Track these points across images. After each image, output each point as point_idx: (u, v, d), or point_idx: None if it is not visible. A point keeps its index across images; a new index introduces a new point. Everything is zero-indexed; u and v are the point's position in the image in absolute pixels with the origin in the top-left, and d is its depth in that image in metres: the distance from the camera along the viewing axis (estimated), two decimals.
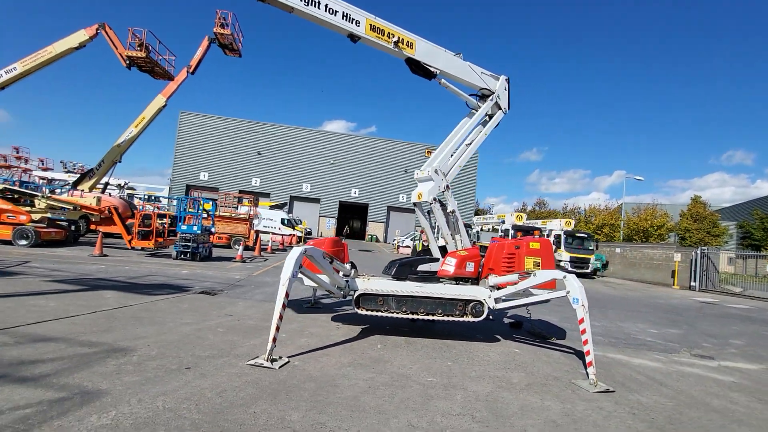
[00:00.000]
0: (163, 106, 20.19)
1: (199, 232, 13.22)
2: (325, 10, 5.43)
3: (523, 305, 5.89)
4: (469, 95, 7.15)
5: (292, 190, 45.44)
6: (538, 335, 6.78)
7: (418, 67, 6.40)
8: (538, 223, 25.28)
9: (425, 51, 6.35)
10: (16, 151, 34.84)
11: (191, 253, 12.96)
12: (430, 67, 6.44)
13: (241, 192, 44.90)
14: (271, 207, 32.06)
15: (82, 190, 18.43)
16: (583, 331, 4.57)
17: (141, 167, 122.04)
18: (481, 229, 26.12)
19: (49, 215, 13.58)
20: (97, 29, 16.76)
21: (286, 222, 30.16)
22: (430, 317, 5.61)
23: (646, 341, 7.26)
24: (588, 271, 20.92)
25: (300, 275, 5.16)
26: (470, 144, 7.07)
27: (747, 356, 6.75)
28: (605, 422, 3.44)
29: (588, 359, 4.46)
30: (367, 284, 5.69)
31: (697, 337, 8.18)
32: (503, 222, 22.87)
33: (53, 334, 4.39)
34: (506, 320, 7.74)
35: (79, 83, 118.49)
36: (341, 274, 5.69)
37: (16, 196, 13.18)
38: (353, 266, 6.37)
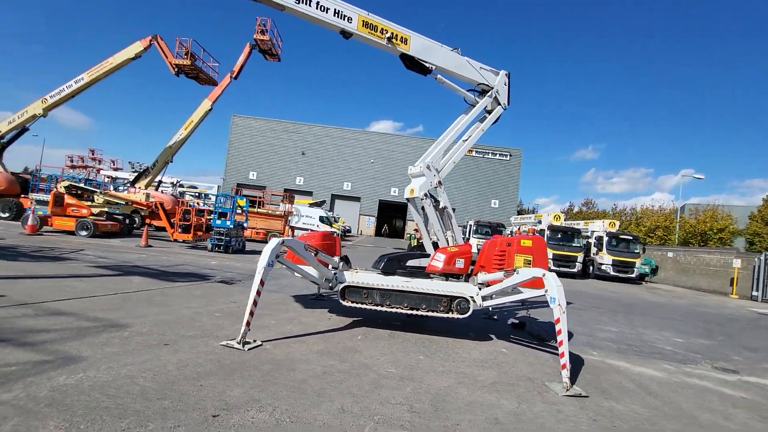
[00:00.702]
0: (209, 110, 21.71)
1: (231, 226, 14.14)
2: (317, 8, 5.59)
3: (508, 303, 5.71)
4: (468, 90, 7.03)
5: (333, 189, 46.71)
6: (537, 337, 6.53)
7: (412, 63, 6.43)
8: (580, 224, 23.87)
9: (420, 46, 6.36)
10: (92, 152, 39.20)
11: (224, 246, 13.90)
12: (426, 62, 6.44)
13: (285, 190, 47.10)
14: (311, 205, 33.18)
15: (139, 188, 20.40)
16: (559, 332, 4.37)
17: (200, 168, 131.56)
18: (519, 230, 25.14)
19: (106, 209, 15.23)
20: (150, 41, 18.44)
21: (324, 219, 31.11)
22: (414, 312, 5.63)
23: (664, 350, 6.71)
24: (633, 275, 19.41)
25: (287, 267, 5.43)
26: (466, 140, 6.95)
27: None
28: (555, 425, 3.31)
29: (562, 361, 4.26)
30: (353, 277, 5.84)
31: (730, 349, 7.40)
32: (540, 222, 21.87)
33: (69, 310, 5.03)
34: (511, 321, 7.50)
35: (149, 89, 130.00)
36: (330, 267, 5.89)
37: (79, 192, 14.91)
38: (346, 260, 6.56)
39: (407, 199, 6.62)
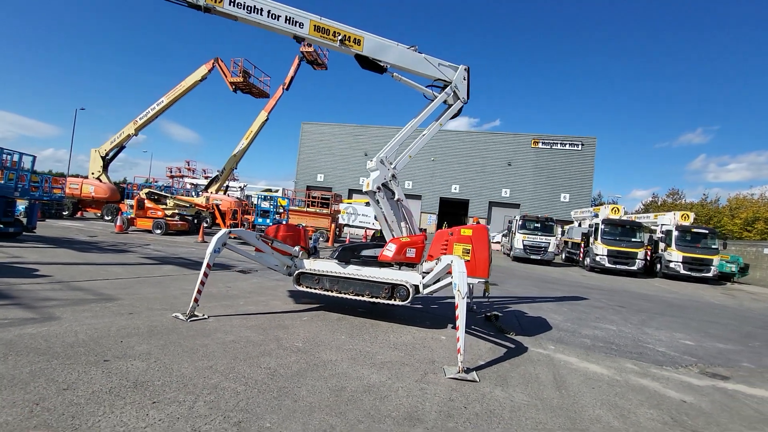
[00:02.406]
0: (266, 120, 24.02)
1: (270, 224, 15.67)
2: (268, 16, 6.20)
3: (437, 290, 5.74)
4: (429, 86, 7.11)
5: None
6: (499, 329, 6.41)
7: (367, 63, 6.76)
8: (650, 217, 21.19)
9: (374, 47, 6.66)
10: (187, 164, 45.59)
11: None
12: (380, 62, 6.73)
13: (350, 191, 49.29)
14: (367, 204, 34.43)
15: (210, 192, 23.44)
16: (457, 317, 4.41)
17: (277, 173, 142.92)
18: (579, 224, 23.16)
19: (177, 211, 17.94)
20: (213, 64, 21.11)
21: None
22: (358, 297, 5.99)
23: (649, 351, 6.08)
24: (710, 275, 16.73)
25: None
26: (424, 134, 7.04)
27: None
28: (402, 399, 3.48)
29: (458, 346, 4.31)
30: (310, 264, 6.41)
31: (755, 356, 6.37)
32: (596, 216, 19.95)
33: (87, 287, 6.42)
34: (484, 313, 7.36)
35: (244, 105, 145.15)
36: (292, 255, 6.54)
37: (156, 197, 17.80)
38: (314, 249, 7.15)
39: (365, 192, 6.96)
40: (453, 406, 3.44)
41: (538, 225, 20.40)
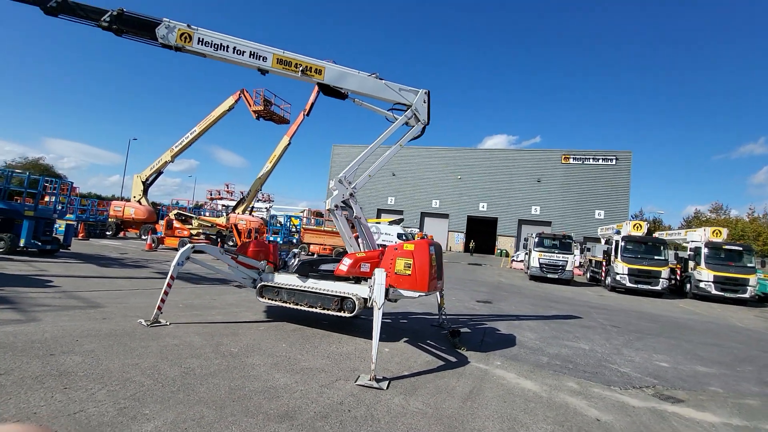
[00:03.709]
0: (288, 145, 25.39)
1: (281, 241, 16.47)
2: (234, 52, 6.93)
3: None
4: (390, 110, 7.49)
5: (422, 207, 47.71)
6: (453, 344, 6.45)
7: (329, 90, 7.31)
8: (680, 234, 19.76)
9: (334, 76, 7.20)
10: (226, 186, 48.64)
11: (282, 260, 16.30)
12: (341, 89, 7.25)
13: (379, 210, 50.03)
14: (390, 223, 34.82)
15: (237, 213, 24.96)
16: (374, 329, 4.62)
17: (308, 195, 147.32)
18: (606, 241, 22.01)
19: (201, 231, 19.33)
20: (239, 95, 22.90)
21: (401, 236, 32.32)
22: (311, 309, 6.32)
23: (614, 371, 5.87)
24: (746, 296, 15.25)
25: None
26: (383, 155, 7.38)
27: (754, 411, 4.76)
28: (295, 398, 3.76)
29: (372, 355, 4.51)
30: (274, 278, 6.87)
31: (731, 381, 5.91)
32: (618, 233, 18.93)
33: (84, 296, 7.28)
34: (450, 328, 7.37)
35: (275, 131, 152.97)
36: (258, 270, 7.04)
37: (183, 218, 19.33)
38: (284, 264, 7.62)
39: (328, 210, 7.37)
40: (336, 409, 3.66)
41: (556, 243, 19.69)
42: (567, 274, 18.74)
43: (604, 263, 19.05)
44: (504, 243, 42.79)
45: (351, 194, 7.07)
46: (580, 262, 27.18)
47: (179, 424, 3.06)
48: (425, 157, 48.47)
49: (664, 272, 16.12)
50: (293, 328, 6.50)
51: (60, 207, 12.90)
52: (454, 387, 4.57)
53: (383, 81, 7.31)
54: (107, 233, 22.77)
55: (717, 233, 16.65)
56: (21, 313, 5.65)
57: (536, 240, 19.85)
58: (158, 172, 24.31)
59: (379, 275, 4.93)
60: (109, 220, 23.17)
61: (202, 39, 6.73)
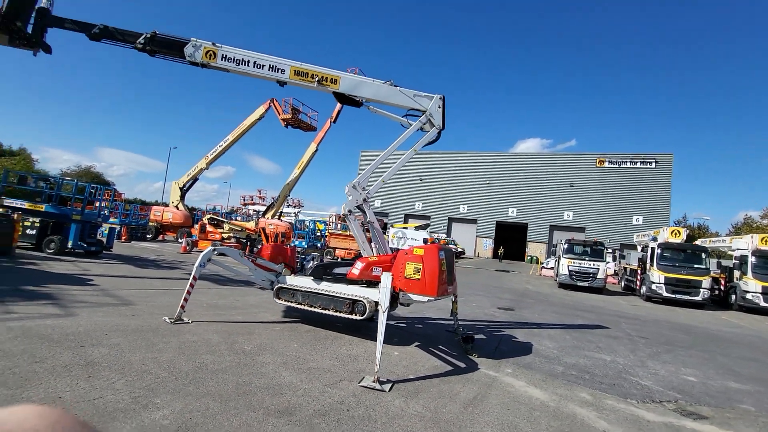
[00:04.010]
0: (315, 151, 26.01)
1: (305, 246, 16.88)
2: (254, 66, 7.33)
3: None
4: (405, 116, 7.59)
5: (450, 213, 47.29)
6: (465, 350, 6.42)
7: (344, 98, 7.51)
8: (725, 241, 18.46)
9: (349, 85, 7.40)
10: (258, 192, 50.42)
11: (299, 262, 16.71)
12: (356, 97, 7.44)
13: (406, 216, 50.06)
14: (416, 228, 34.75)
15: (267, 218, 25.80)
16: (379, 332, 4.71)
17: (335, 201, 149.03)
18: (642, 249, 20.93)
19: (231, 234, 20.15)
20: (269, 104, 23.76)
21: (427, 242, 32.20)
22: (324, 311, 6.48)
23: (635, 383, 5.63)
24: None
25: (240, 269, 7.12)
26: (398, 160, 7.47)
27: None
28: (298, 397, 3.91)
29: (376, 357, 4.59)
30: (290, 280, 7.10)
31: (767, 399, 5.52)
32: (654, 239, 17.95)
33: (119, 294, 7.82)
34: (463, 334, 7.32)
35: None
36: (276, 272, 7.31)
37: (216, 222, 20.24)
38: (301, 267, 7.85)
39: (343, 215, 7.54)
40: (336, 408, 3.76)
41: (586, 249, 18.96)
42: (598, 283, 17.97)
43: (639, 271, 18.13)
44: (534, 249, 41.56)
45: (365, 200, 7.20)
46: (615, 271, 25.98)
47: (185, 413, 3.27)
48: (452, 163, 48.11)
49: (705, 282, 15.11)
50: (307, 330, 6.68)
51: (103, 212, 13.91)
52: (458, 392, 4.56)
53: (398, 88, 7.43)
54: (147, 236, 24.18)
55: (766, 241, 15.42)
56: (61, 309, 6.17)
57: (565, 246, 19.20)
58: (194, 179, 25.58)
59: (385, 279, 5.02)
60: (150, 224, 24.60)
61: (225, 55, 7.15)
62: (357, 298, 6.24)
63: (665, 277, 15.61)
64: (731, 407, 5.13)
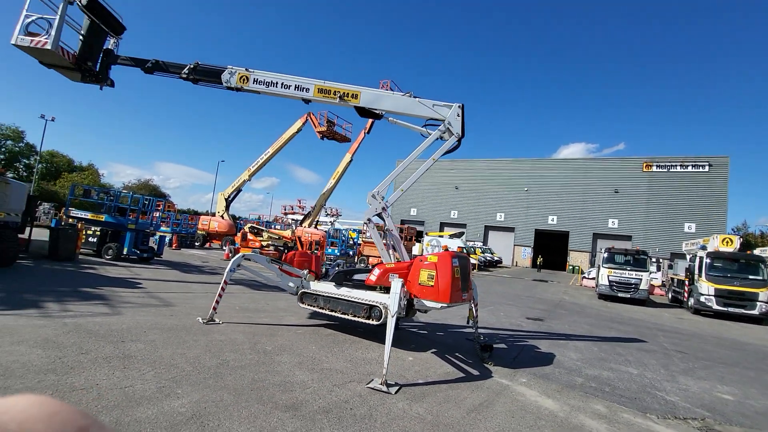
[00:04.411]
0: (350, 161, 26.78)
1: (337, 254, 17.38)
2: (282, 87, 7.86)
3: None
4: (425, 125, 7.76)
5: (486, 221, 46.39)
6: (480, 358, 6.42)
7: (365, 112, 7.84)
8: None
9: (369, 99, 7.72)
10: (299, 202, 52.27)
11: (325, 269, 17.25)
12: (375, 110, 7.75)
13: (442, 224, 49.70)
14: (450, 236, 34.46)
15: (304, 226, 26.76)
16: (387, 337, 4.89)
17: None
18: (691, 258, 19.47)
19: (270, 242, 21.12)
20: (306, 118, 24.82)
21: (463, 250, 31.85)
22: (344, 316, 6.74)
23: (660, 399, 5.40)
24: None
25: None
26: (418, 169, 7.62)
27: None
28: (307, 394, 4.17)
29: (384, 360, 4.76)
30: (313, 286, 7.46)
31: None
32: (703, 248, 16.63)
33: (161, 296, 8.56)
34: (482, 342, 7.28)
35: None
36: (301, 277, 7.70)
37: (256, 231, 21.32)
38: (326, 273, 8.19)
39: (364, 224, 7.80)
40: (340, 406, 3.98)
41: (629, 259, 17.94)
42: (641, 294, 16.93)
43: (686, 282, 16.87)
44: (576, 258, 39.68)
45: (384, 208, 7.42)
46: (662, 281, 24.29)
47: (201, 403, 3.63)
48: (489, 170, 47.30)
49: (762, 294, 13.78)
50: (328, 333, 6.98)
51: (154, 221, 15.20)
52: (464, 398, 4.62)
53: (417, 99, 7.64)
54: (196, 244, 25.87)
55: None
56: (110, 308, 6.90)
57: (605, 255, 18.28)
58: (238, 190, 27.11)
59: (395, 285, 5.21)
60: (198, 232, 26.31)
61: (257, 79, 7.76)
62: (374, 303, 6.44)
63: (715, 289, 14.43)
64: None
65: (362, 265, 21.79)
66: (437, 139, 7.64)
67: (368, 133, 26.48)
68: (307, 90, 7.80)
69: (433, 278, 6.03)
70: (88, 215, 13.94)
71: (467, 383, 5.19)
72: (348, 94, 7.73)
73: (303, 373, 4.81)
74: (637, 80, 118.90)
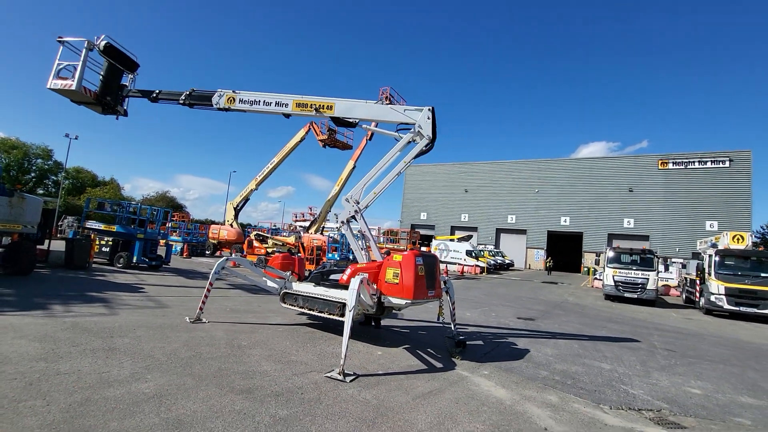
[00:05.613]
0: (353, 168, 27.30)
1: (337, 258, 17.78)
2: (263, 104, 8.40)
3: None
4: (398, 130, 8.10)
5: (497, 224, 46.07)
6: (450, 353, 6.66)
7: (340, 121, 8.27)
8: None
9: (343, 109, 8.13)
10: (310, 209, 53.08)
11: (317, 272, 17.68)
12: (350, 119, 8.16)
13: (452, 228, 49.62)
14: (458, 240, 34.44)
15: (311, 232, 27.36)
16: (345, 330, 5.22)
17: (389, 215, 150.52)
18: (699, 256, 18.98)
19: (275, 249, 21.75)
20: (308, 127, 25.53)
21: (470, 253, 31.84)
22: (320, 314, 7.10)
23: (622, 392, 5.51)
24: None
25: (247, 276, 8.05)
26: (390, 172, 7.94)
27: None
28: (266, 381, 4.54)
29: (342, 352, 5.08)
30: (295, 286, 7.86)
31: None
32: (714, 245, 16.22)
33: (158, 299, 9.13)
34: (458, 338, 7.49)
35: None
36: (285, 279, 8.13)
37: (261, 238, 22.01)
38: (309, 275, 8.60)
39: (338, 227, 8.17)
40: (293, 391, 4.32)
41: (635, 258, 17.67)
42: (649, 294, 16.63)
43: (697, 282, 16.49)
44: (591, 260, 38.83)
45: (357, 211, 7.78)
46: (678, 282, 23.66)
47: (165, 386, 4.05)
48: (499, 173, 47.06)
49: None
50: (306, 331, 7.35)
51: (162, 231, 16.01)
52: (416, 387, 4.89)
53: (388, 105, 8.02)
54: (206, 252, 26.80)
55: None
56: (108, 309, 7.48)
57: (610, 255, 18.06)
58: (246, 199, 27.97)
59: (354, 282, 5.55)
60: (209, 240, 27.27)
61: (242, 99, 8.41)
62: (346, 301, 6.78)
63: (726, 288, 14.10)
64: (723, 420, 4.84)
65: None
66: (410, 142, 7.97)
67: (370, 140, 27.02)
68: (286, 105, 8.31)
69: (398, 276, 6.34)
70: (102, 226, 14.84)
71: (426, 374, 5.45)
72: (323, 105, 8.17)
73: (269, 364, 5.18)
74: (658, 74, 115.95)
